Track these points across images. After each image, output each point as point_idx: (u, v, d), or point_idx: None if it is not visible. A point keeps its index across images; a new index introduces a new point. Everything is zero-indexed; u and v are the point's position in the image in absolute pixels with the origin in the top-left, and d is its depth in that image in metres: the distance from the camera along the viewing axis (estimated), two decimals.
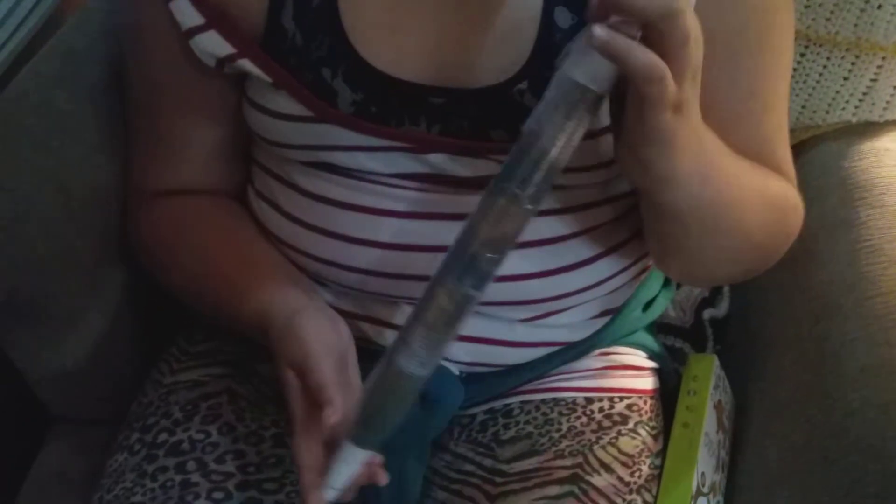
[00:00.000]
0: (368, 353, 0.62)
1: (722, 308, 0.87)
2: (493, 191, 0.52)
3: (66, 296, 0.74)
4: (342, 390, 0.56)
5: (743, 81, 0.63)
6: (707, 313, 0.86)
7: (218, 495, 0.65)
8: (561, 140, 0.51)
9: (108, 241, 0.75)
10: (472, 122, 0.61)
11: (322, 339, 0.59)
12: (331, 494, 0.57)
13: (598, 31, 0.48)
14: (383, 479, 0.58)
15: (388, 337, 0.68)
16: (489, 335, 0.68)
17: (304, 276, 0.68)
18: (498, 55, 0.60)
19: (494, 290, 0.64)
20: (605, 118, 0.58)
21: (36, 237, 0.71)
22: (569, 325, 0.70)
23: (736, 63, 0.62)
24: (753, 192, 0.62)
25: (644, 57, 0.48)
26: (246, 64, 0.63)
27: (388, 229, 0.64)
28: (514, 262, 0.63)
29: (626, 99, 0.52)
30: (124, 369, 0.80)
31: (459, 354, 0.68)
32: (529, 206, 0.52)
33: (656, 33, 0.49)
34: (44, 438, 0.81)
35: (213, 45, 0.62)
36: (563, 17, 0.59)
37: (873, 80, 0.77)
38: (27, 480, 0.79)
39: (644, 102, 0.50)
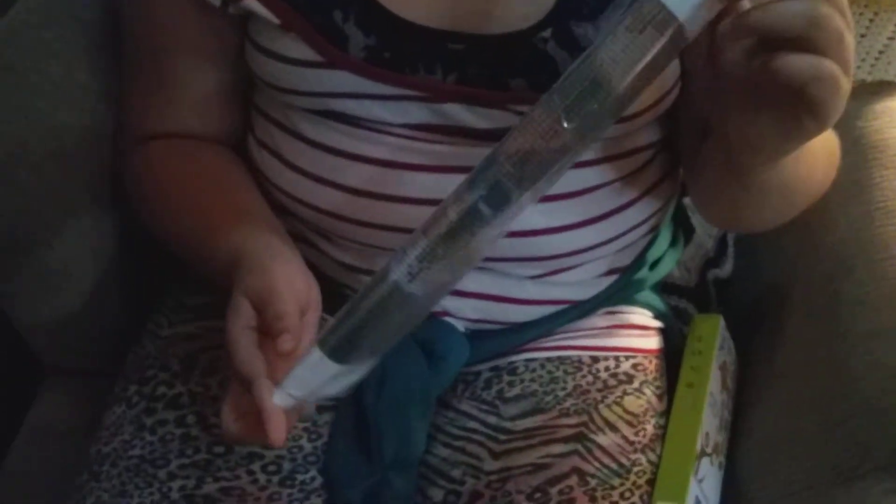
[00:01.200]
0: None
1: (726, 268, 0.87)
2: (537, 104, 0.47)
3: (57, 241, 0.72)
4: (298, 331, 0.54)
5: None
6: (711, 273, 0.85)
7: (218, 449, 0.64)
8: (621, 65, 0.45)
9: (101, 185, 0.73)
10: (492, 70, 0.59)
11: (291, 283, 0.56)
12: (282, 398, 0.52)
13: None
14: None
15: None
16: (497, 292, 0.66)
17: (284, 231, 0.65)
18: (521, 0, 0.58)
19: (504, 246, 0.63)
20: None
21: (27, 180, 0.68)
22: (577, 283, 0.69)
23: None
24: (820, 144, 0.61)
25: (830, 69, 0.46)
26: (252, 4, 0.60)
27: (398, 182, 0.62)
28: (525, 217, 0.62)
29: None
30: (118, 318, 0.79)
31: (465, 311, 0.67)
32: (567, 126, 0.46)
33: (804, 42, 0.46)
34: (37, 390, 0.80)
35: None
36: None
37: (890, 39, 0.76)
38: (20, 431, 0.77)
39: (809, 106, 0.47)
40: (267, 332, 0.55)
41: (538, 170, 0.48)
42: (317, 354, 0.51)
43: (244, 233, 0.60)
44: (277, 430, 0.52)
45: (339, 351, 0.51)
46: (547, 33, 0.58)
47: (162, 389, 0.67)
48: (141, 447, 0.64)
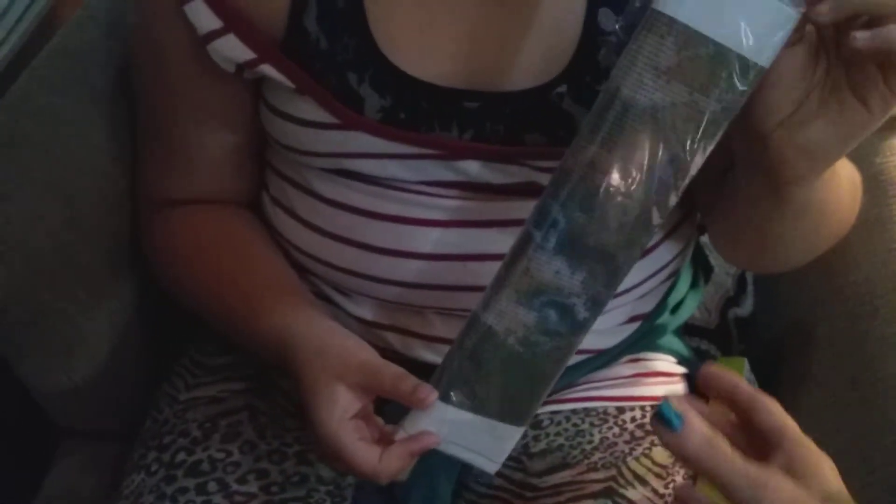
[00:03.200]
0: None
1: (746, 306, 0.86)
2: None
3: (73, 308, 0.71)
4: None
5: None
6: (732, 313, 0.84)
7: None
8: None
9: (117, 250, 0.73)
10: (507, 126, 0.59)
11: (369, 350, 0.57)
12: (399, 433, 0.55)
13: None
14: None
15: (416, 348, 0.65)
16: None
17: (318, 301, 0.65)
18: (537, 57, 0.57)
19: None
20: None
21: (42, 249, 0.68)
22: (599, 332, 0.67)
23: None
24: (846, 174, 0.62)
25: None
26: (267, 69, 0.60)
27: (417, 239, 0.62)
28: None
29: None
30: (134, 381, 0.78)
31: None
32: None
33: None
34: (54, 454, 0.79)
35: (231, 50, 0.59)
36: (607, 19, 0.56)
37: None
38: (37, 499, 0.76)
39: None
40: (365, 415, 0.55)
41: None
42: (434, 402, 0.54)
43: (289, 312, 0.60)
44: None
45: (453, 397, 0.54)
46: (563, 89, 0.58)
47: (181, 456, 0.66)
48: None
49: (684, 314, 0.75)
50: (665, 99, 0.48)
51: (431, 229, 0.62)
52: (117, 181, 0.72)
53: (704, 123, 0.49)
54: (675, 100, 0.48)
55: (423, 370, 0.65)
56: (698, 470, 0.45)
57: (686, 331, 0.81)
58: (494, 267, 0.62)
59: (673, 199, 0.51)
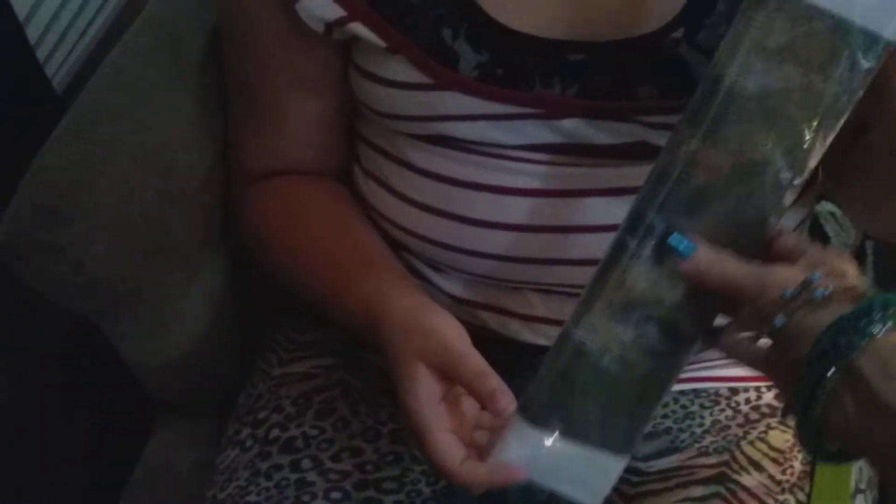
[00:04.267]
0: (490, 344, 0.56)
1: (866, 279, 0.80)
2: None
3: (168, 282, 0.71)
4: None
5: None
6: None
7: (336, 495, 0.61)
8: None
9: (210, 225, 0.72)
10: (616, 79, 0.55)
11: (458, 332, 0.53)
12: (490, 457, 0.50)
13: None
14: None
15: (513, 327, 0.63)
16: None
17: (411, 276, 0.63)
18: (649, 0, 0.53)
19: None
20: None
21: (137, 223, 0.67)
22: None
23: None
24: None
25: None
26: (357, 27, 0.57)
27: (516, 209, 0.59)
28: None
29: None
30: (229, 356, 0.78)
31: None
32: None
33: None
34: (151, 428, 0.79)
35: (321, 7, 0.57)
36: None
37: None
38: (135, 472, 0.77)
39: None
40: (452, 400, 0.52)
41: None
42: (520, 425, 0.49)
43: (378, 284, 0.58)
44: None
45: (538, 414, 0.49)
46: (679, 34, 0.53)
47: (276, 432, 0.65)
48: (256, 493, 0.62)
49: None
50: (776, 83, 0.43)
51: (531, 199, 0.59)
52: (209, 153, 0.71)
53: (824, 109, 0.44)
54: (789, 84, 0.43)
55: (523, 350, 0.62)
56: (711, 284, 0.47)
57: None
58: (599, 239, 0.58)
59: (789, 198, 0.46)
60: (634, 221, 0.48)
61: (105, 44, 0.76)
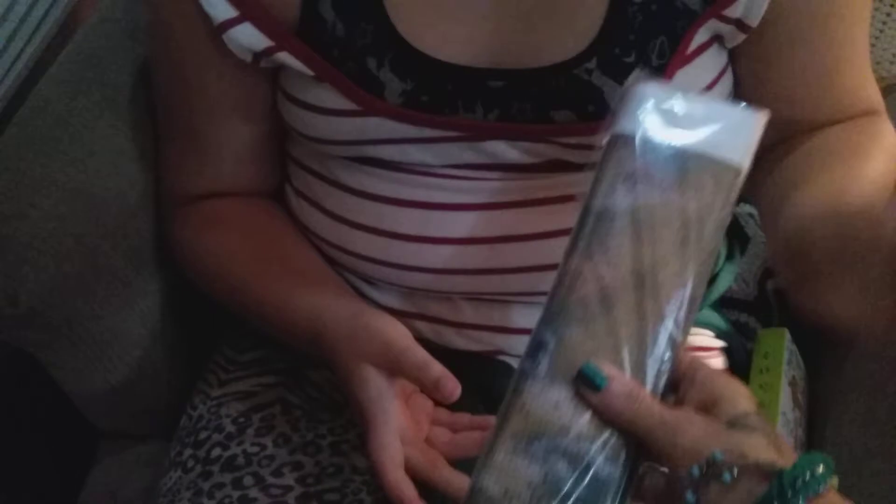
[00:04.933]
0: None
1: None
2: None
3: (103, 310, 0.71)
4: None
5: (825, 37, 0.61)
6: (770, 283, 0.82)
7: None
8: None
9: (143, 251, 0.73)
10: (535, 104, 0.58)
11: (399, 330, 0.56)
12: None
13: None
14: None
15: (447, 335, 0.65)
16: None
17: (349, 287, 0.65)
18: (563, 31, 0.56)
19: (547, 278, 0.61)
20: None
21: (71, 253, 0.68)
22: None
23: (811, 25, 0.60)
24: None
25: None
26: (285, 57, 0.59)
27: (443, 224, 0.61)
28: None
29: None
30: (169, 381, 0.78)
31: (519, 348, 0.64)
32: None
33: None
34: (95, 455, 0.79)
35: (248, 38, 0.59)
36: None
37: None
38: (81, 497, 0.77)
39: None
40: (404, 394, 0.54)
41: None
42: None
43: (317, 299, 0.60)
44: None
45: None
46: (591, 63, 0.56)
47: (217, 451, 0.66)
48: None
49: (721, 287, 0.73)
50: (637, 202, 0.47)
51: (458, 213, 0.61)
52: (140, 180, 0.72)
53: (685, 220, 0.47)
54: (648, 201, 0.47)
55: (455, 358, 0.64)
56: (620, 424, 0.44)
57: (725, 304, 0.79)
58: (522, 248, 0.61)
59: (673, 308, 0.45)
60: (531, 343, 0.46)
61: (34, 76, 0.76)
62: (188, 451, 0.68)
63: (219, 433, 0.67)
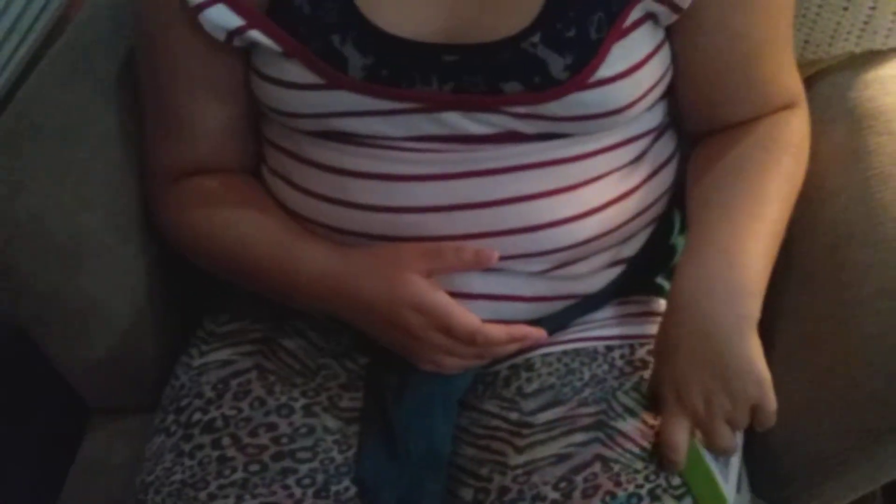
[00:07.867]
0: None
1: None
2: None
3: (91, 286, 0.75)
4: None
5: (746, 25, 0.66)
6: None
7: (254, 467, 0.66)
8: None
9: (129, 228, 0.77)
10: (485, 77, 0.63)
11: (403, 244, 0.64)
12: None
13: None
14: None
15: None
16: (505, 291, 0.68)
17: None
18: (510, 8, 0.61)
19: (507, 244, 0.66)
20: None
21: (59, 230, 0.72)
22: (584, 276, 0.70)
23: (733, 11, 0.64)
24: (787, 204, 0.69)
25: None
26: (256, 35, 0.64)
27: (405, 193, 0.65)
28: (525, 211, 0.65)
29: None
30: (155, 355, 0.81)
31: (476, 313, 0.69)
32: None
33: None
34: (86, 428, 0.83)
35: (222, 18, 0.64)
36: None
37: (872, 9, 0.77)
38: (73, 469, 0.81)
39: None
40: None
41: None
42: None
43: (327, 250, 0.67)
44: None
45: None
46: (536, 38, 0.61)
47: (197, 416, 0.70)
48: (181, 472, 0.67)
49: (674, 256, 0.77)
50: None
51: (419, 183, 0.66)
52: (127, 163, 0.77)
53: None
54: None
55: None
56: None
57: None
58: (481, 214, 0.66)
59: None
60: None
61: (30, 68, 0.81)
62: (171, 417, 0.72)
63: (199, 399, 0.71)
